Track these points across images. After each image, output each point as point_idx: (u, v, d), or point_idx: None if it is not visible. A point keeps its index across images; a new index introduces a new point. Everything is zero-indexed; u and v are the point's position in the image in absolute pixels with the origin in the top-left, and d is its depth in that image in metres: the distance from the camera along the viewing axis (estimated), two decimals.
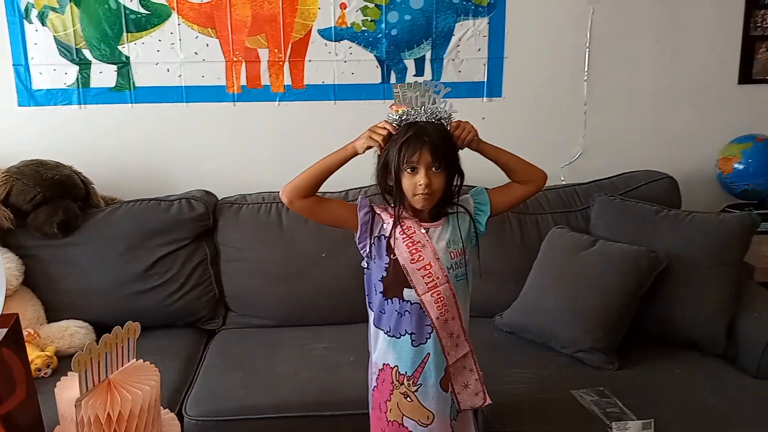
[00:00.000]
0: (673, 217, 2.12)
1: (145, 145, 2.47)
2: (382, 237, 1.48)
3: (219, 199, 2.34)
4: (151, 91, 2.43)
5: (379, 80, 2.47)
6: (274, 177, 2.48)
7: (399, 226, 1.46)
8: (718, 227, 2.05)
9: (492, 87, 2.52)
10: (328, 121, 2.49)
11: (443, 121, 1.44)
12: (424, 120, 1.42)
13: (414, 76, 2.48)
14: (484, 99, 2.52)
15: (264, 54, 2.43)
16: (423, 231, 1.46)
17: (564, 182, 2.54)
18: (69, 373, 0.99)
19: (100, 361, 0.96)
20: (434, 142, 1.39)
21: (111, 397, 0.95)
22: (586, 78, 2.52)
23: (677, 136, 2.59)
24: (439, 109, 1.44)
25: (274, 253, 2.22)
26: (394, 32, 2.44)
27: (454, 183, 1.48)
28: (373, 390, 1.55)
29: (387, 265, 1.47)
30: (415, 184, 1.41)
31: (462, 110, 2.48)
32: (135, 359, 1.06)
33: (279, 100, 2.47)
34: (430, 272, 1.44)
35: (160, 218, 2.20)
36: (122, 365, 1.02)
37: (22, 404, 1.03)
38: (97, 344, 0.96)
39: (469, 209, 1.52)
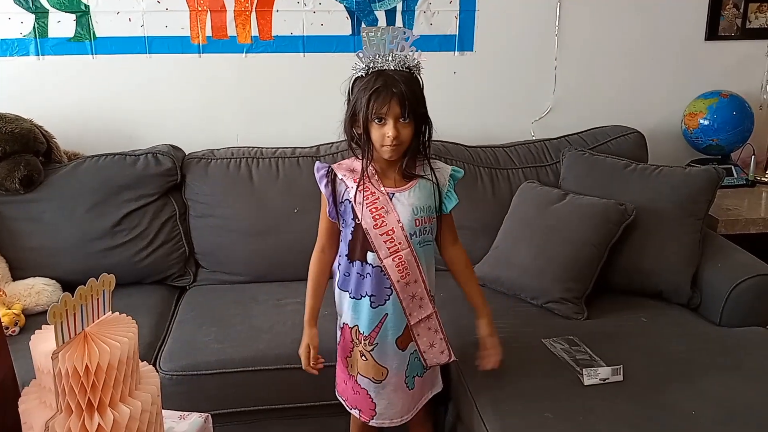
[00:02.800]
0: (641, 171, 2.16)
1: (107, 99, 2.39)
2: (347, 201, 1.47)
3: (186, 153, 2.29)
4: (112, 41, 2.35)
5: (349, 32, 2.43)
6: (242, 131, 2.46)
7: (362, 192, 1.44)
8: (684, 181, 2.09)
9: (463, 41, 2.49)
10: (298, 74, 2.45)
11: (412, 70, 1.42)
12: (392, 68, 1.39)
13: (385, 27, 2.43)
14: (456, 53, 2.50)
15: (230, 3, 2.35)
16: (387, 196, 1.45)
17: (534, 137, 2.55)
18: (44, 326, 0.97)
19: (76, 314, 0.94)
20: (403, 93, 1.36)
21: (88, 348, 0.93)
22: (556, 33, 2.52)
23: (645, 92, 2.62)
24: (407, 57, 1.41)
25: (245, 209, 2.20)
26: None
27: (423, 133, 1.46)
28: (338, 344, 1.59)
29: (353, 230, 1.48)
30: (383, 135, 1.39)
31: (433, 64, 2.45)
32: (111, 312, 1.04)
33: (246, 52, 2.41)
34: (392, 237, 1.45)
35: (126, 173, 2.14)
36: (98, 318, 1.00)
37: None
38: (72, 296, 0.93)
39: (441, 181, 1.50)
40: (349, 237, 1.49)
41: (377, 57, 1.40)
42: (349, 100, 1.46)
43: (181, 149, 2.29)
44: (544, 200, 2.11)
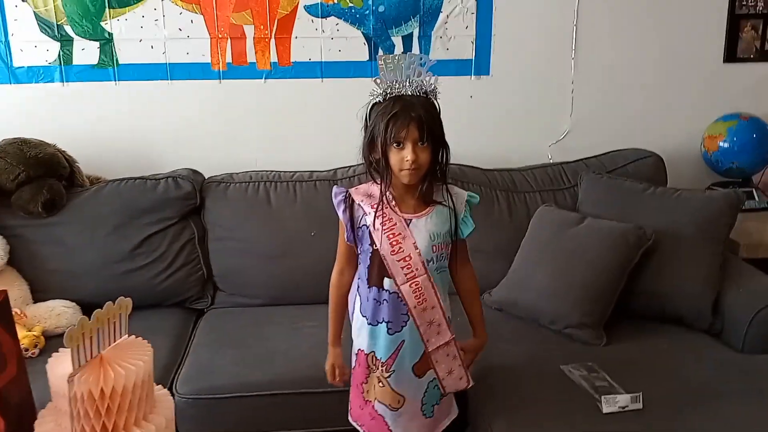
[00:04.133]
0: (660, 194, 2.14)
1: (129, 124, 2.44)
2: (364, 227, 1.48)
3: (206, 177, 2.32)
4: (134, 68, 2.40)
5: (366, 57, 2.45)
6: (261, 155, 2.49)
7: (380, 218, 1.45)
8: (704, 204, 2.07)
9: (480, 65, 2.51)
10: (315, 98, 2.48)
11: (429, 95, 1.43)
12: (410, 93, 1.41)
13: (402, 53, 2.46)
14: (472, 77, 2.52)
15: (249, 30, 2.40)
16: (404, 222, 1.46)
17: (551, 161, 2.55)
18: (60, 349, 0.98)
19: (92, 337, 0.95)
20: (421, 117, 1.37)
21: (104, 372, 0.94)
22: (573, 56, 2.52)
23: (663, 115, 2.61)
24: (424, 81, 1.42)
25: (263, 232, 2.21)
26: (381, 8, 2.41)
27: (440, 157, 1.46)
28: (353, 369, 1.58)
29: (370, 255, 1.48)
30: (402, 159, 1.40)
31: (450, 88, 2.45)
32: (127, 335, 1.05)
33: (265, 78, 2.44)
34: (409, 263, 1.44)
35: (146, 197, 2.17)
36: (114, 341, 1.01)
37: (12, 381, 1.02)
38: (89, 320, 0.95)
39: (457, 207, 1.50)
40: (367, 262, 1.50)
41: (394, 83, 1.41)
42: (366, 126, 1.47)
43: (200, 173, 2.32)
44: (561, 224, 2.10)
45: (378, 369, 1.51)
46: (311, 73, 2.46)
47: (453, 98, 2.53)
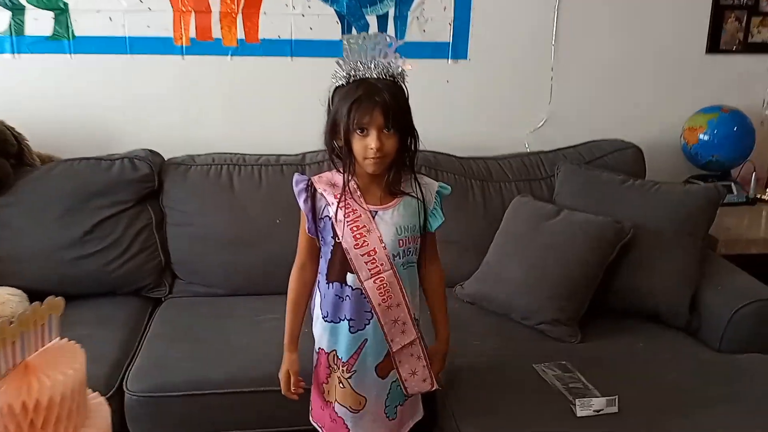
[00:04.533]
0: (639, 187, 2.08)
1: (85, 100, 2.29)
2: (326, 218, 1.38)
3: (165, 159, 2.19)
4: (91, 41, 2.24)
5: (338, 37, 2.33)
6: (225, 137, 2.37)
7: (342, 210, 1.35)
8: (683, 199, 2.01)
9: (457, 48, 2.41)
10: (285, 78, 2.36)
11: (396, 79, 1.33)
12: (375, 76, 1.30)
13: (367, 33, 2.34)
14: (449, 61, 2.41)
15: (215, 4, 2.26)
16: (369, 214, 1.36)
17: (528, 150, 2.47)
18: None
19: (15, 342, 0.84)
20: (386, 102, 1.27)
21: (28, 383, 0.83)
22: (553, 42, 2.44)
23: (643, 105, 2.54)
24: (391, 64, 1.32)
25: (225, 218, 2.10)
26: None
27: (409, 145, 1.37)
28: (314, 368, 1.49)
29: (332, 248, 1.38)
30: (365, 146, 1.30)
31: (426, 72, 2.41)
32: (59, 338, 0.94)
33: (231, 55, 2.31)
34: (374, 258, 1.35)
35: (100, 179, 2.04)
36: (42, 345, 0.90)
37: None
38: (11, 323, 0.83)
39: (427, 198, 1.41)
40: (328, 256, 1.40)
41: (358, 64, 1.31)
42: (329, 110, 1.37)
43: (159, 154, 2.19)
44: (537, 216, 2.02)
45: (339, 369, 1.43)
46: (280, 52, 2.33)
47: (429, 82, 2.47)
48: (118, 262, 2.04)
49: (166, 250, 2.13)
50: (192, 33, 2.28)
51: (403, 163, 1.39)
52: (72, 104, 2.28)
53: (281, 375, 1.48)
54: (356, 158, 1.33)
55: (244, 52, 2.31)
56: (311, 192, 1.39)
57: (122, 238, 2.05)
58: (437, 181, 1.46)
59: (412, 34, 2.36)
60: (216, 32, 2.29)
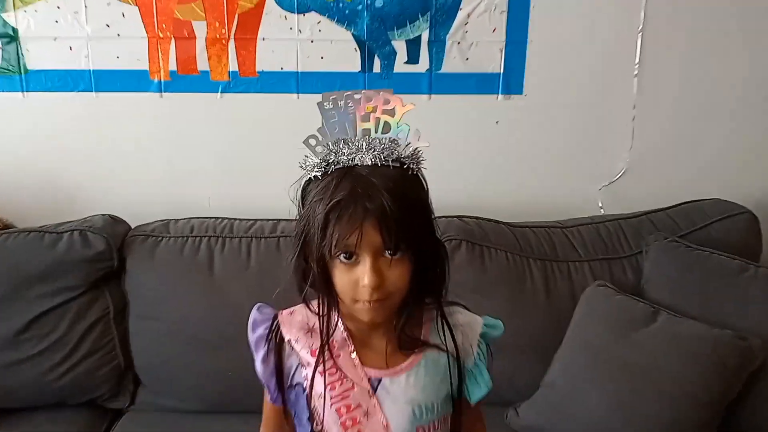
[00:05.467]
0: (765, 277, 1.49)
1: (38, 149, 1.83)
2: (299, 387, 0.88)
3: (131, 227, 1.71)
4: (47, 75, 1.79)
5: (357, 68, 1.82)
6: (211, 195, 1.87)
7: (323, 375, 0.85)
8: None
9: (510, 81, 1.86)
10: (289, 121, 1.83)
11: (407, 165, 0.82)
12: (369, 162, 0.80)
13: (405, 63, 1.83)
14: (499, 96, 1.87)
15: (201, 28, 1.77)
16: (368, 385, 0.85)
17: (602, 211, 1.91)
18: None
19: None
20: (385, 210, 0.77)
21: None
22: (636, 72, 1.86)
23: (756, 153, 1.94)
24: (396, 141, 0.83)
25: (201, 310, 1.59)
26: (378, 3, 1.78)
27: (430, 268, 0.85)
28: None
29: (308, 429, 0.88)
30: (354, 282, 0.80)
31: (469, 111, 1.86)
32: None
33: (221, 92, 1.82)
34: None
35: (41, 259, 1.56)
36: None
37: None
38: None
39: (464, 349, 0.89)
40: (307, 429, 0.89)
41: (341, 144, 0.82)
42: (299, 214, 0.87)
43: (123, 222, 1.71)
44: (623, 319, 1.46)
45: None
46: (283, 87, 1.83)
47: (473, 124, 1.92)
48: (62, 368, 1.57)
49: (127, 349, 1.64)
50: (172, 65, 1.80)
51: (422, 298, 0.87)
52: (22, 155, 1.83)
53: None
54: (340, 298, 0.82)
55: (238, 87, 1.82)
56: (275, 341, 0.88)
57: (68, 336, 1.57)
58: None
59: (452, 64, 1.83)
60: (202, 64, 1.80)
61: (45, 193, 1.83)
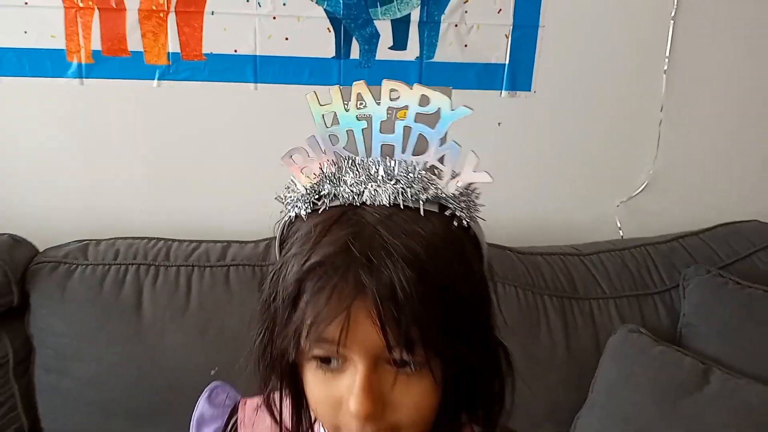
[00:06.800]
0: None
1: None
2: None
3: (38, 251, 1.33)
4: None
5: (331, 53, 1.48)
6: (142, 209, 1.50)
7: None
8: None
9: (516, 74, 1.54)
10: (244, 116, 1.51)
11: (447, 210, 0.53)
12: (386, 201, 0.51)
13: (390, 48, 1.49)
14: (503, 93, 1.55)
15: None
16: None
17: (621, 231, 1.61)
18: None
19: None
20: (395, 290, 0.46)
21: None
22: (665, 68, 1.56)
23: None
24: (434, 168, 0.55)
25: (126, 366, 1.24)
26: None
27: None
28: None
29: None
30: (336, 401, 0.51)
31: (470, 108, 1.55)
32: None
33: (158, 79, 1.46)
34: None
35: None
36: None
37: None
38: None
39: None
40: None
41: (343, 167, 0.54)
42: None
43: (29, 244, 1.34)
44: (666, 380, 1.16)
45: None
46: (237, 75, 1.47)
47: (472, 125, 1.59)
48: None
49: (32, 408, 1.28)
50: (96, 44, 1.43)
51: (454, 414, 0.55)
52: None
53: None
54: (317, 416, 0.54)
55: (179, 74, 1.46)
56: None
57: None
58: None
59: (447, 51, 1.50)
60: (134, 42, 1.43)
61: None
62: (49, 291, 1.27)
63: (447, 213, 0.53)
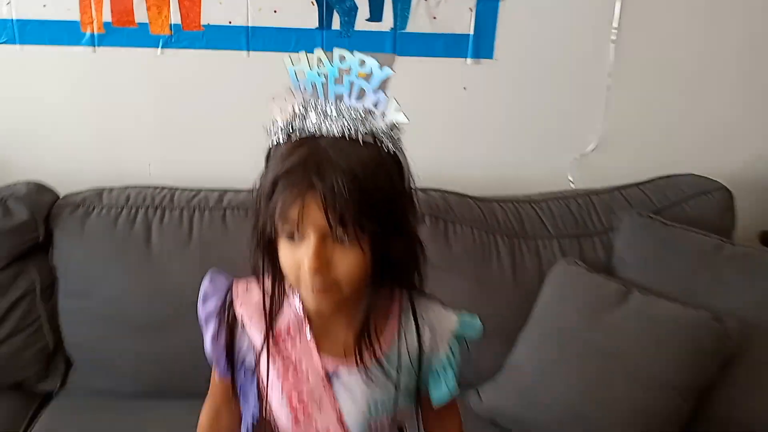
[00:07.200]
0: (743, 257, 1.42)
1: None
2: (248, 371, 0.80)
3: (59, 197, 1.54)
4: None
5: (315, 24, 1.67)
6: (150, 161, 1.71)
7: (276, 361, 0.78)
8: None
9: (480, 44, 1.73)
10: (238, 80, 1.70)
11: (378, 138, 0.72)
12: (336, 132, 0.71)
13: (367, 20, 1.68)
14: (468, 60, 1.74)
15: None
16: (322, 377, 0.77)
17: (573, 185, 1.81)
18: None
19: None
20: (336, 186, 0.67)
21: None
22: (614, 37, 1.75)
23: (730, 126, 1.85)
24: (370, 111, 0.72)
25: (137, 289, 1.45)
26: None
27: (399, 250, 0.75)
28: None
29: (255, 420, 0.81)
30: (297, 264, 0.71)
31: (436, 75, 1.73)
32: None
33: (162, 47, 1.65)
34: None
35: None
36: None
37: None
38: None
39: (430, 344, 0.81)
40: (250, 420, 0.82)
41: (308, 109, 0.73)
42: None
43: (51, 190, 1.55)
44: (593, 299, 1.37)
45: None
46: (232, 43, 1.67)
47: (439, 90, 1.77)
48: None
49: (56, 328, 1.50)
50: (106, 16, 1.62)
51: (387, 282, 0.77)
52: None
53: None
54: (288, 279, 0.74)
55: (181, 43, 1.65)
56: (227, 317, 0.81)
57: None
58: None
59: (418, 23, 1.69)
60: (140, 15, 1.63)
61: None
62: (70, 229, 1.48)
63: (379, 139, 0.71)
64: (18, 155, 1.67)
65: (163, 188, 1.57)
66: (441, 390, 0.81)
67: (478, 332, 0.84)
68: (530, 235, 1.57)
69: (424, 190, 1.58)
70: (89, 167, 1.67)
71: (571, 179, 1.83)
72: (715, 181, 1.68)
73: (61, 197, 1.54)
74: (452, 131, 1.77)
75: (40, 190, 1.51)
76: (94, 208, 1.50)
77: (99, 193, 1.54)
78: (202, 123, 1.72)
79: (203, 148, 1.72)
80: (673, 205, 1.62)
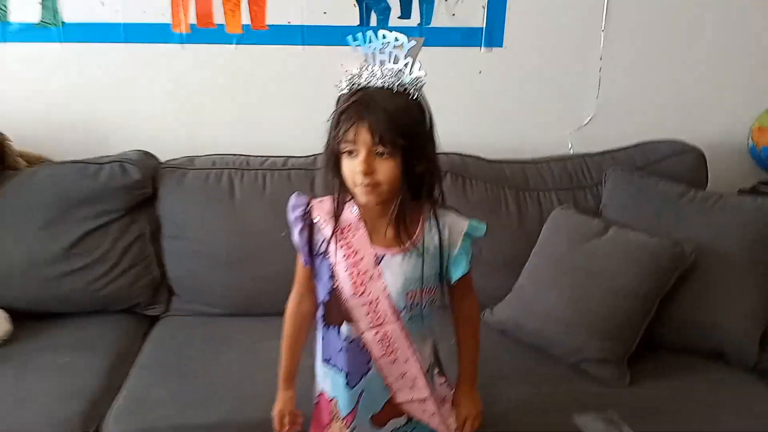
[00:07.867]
0: (702, 201, 1.78)
1: (74, 94, 2.07)
2: (324, 256, 1.16)
3: (161, 162, 1.96)
4: (83, 28, 2.02)
5: (356, 22, 2.06)
6: (228, 135, 2.12)
7: (341, 248, 1.13)
8: (755, 216, 1.71)
9: (492, 34, 2.11)
10: (295, 70, 2.10)
11: (406, 89, 1.07)
12: (380, 85, 1.06)
13: (399, 18, 2.07)
14: (482, 49, 2.12)
15: None
16: (374, 257, 1.13)
17: (572, 151, 2.18)
18: None
19: None
20: (377, 118, 1.03)
21: None
22: (603, 28, 2.12)
23: (706, 101, 2.21)
24: (401, 70, 1.07)
25: (224, 231, 1.86)
26: None
27: (420, 172, 1.10)
28: (315, 405, 1.29)
29: (329, 291, 1.17)
30: (353, 170, 1.07)
31: (455, 62, 2.12)
32: None
33: (236, 43, 2.06)
34: (375, 309, 1.14)
35: (86, 185, 1.82)
36: None
37: None
38: None
39: (450, 241, 1.16)
40: (326, 298, 1.19)
41: (362, 70, 1.08)
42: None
43: (154, 157, 1.97)
44: (580, 233, 1.74)
45: (340, 420, 1.23)
46: (290, 39, 2.07)
47: (458, 74, 2.18)
48: (107, 278, 1.83)
49: (161, 264, 1.91)
50: (192, 19, 2.03)
51: (417, 194, 1.13)
52: (60, 99, 2.07)
53: (275, 414, 1.29)
54: (347, 184, 1.10)
55: (250, 39, 2.06)
56: (308, 221, 1.17)
57: (111, 252, 1.83)
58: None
59: (440, 19, 2.08)
60: (218, 17, 2.04)
61: (78, 133, 2.07)
62: (171, 186, 1.89)
63: (407, 88, 1.07)
64: (131, 129, 2.08)
65: (240, 155, 1.98)
66: (458, 270, 1.16)
67: (483, 233, 1.18)
68: (533, 188, 1.95)
69: (446, 154, 1.95)
70: (180, 140, 2.07)
71: (571, 147, 2.19)
72: (690, 144, 2.02)
73: (162, 162, 1.96)
74: (469, 107, 2.14)
75: (147, 156, 1.93)
76: (189, 170, 1.91)
77: (191, 159, 1.95)
78: (267, 104, 2.12)
79: (268, 124, 2.12)
80: (653, 163, 1.98)
